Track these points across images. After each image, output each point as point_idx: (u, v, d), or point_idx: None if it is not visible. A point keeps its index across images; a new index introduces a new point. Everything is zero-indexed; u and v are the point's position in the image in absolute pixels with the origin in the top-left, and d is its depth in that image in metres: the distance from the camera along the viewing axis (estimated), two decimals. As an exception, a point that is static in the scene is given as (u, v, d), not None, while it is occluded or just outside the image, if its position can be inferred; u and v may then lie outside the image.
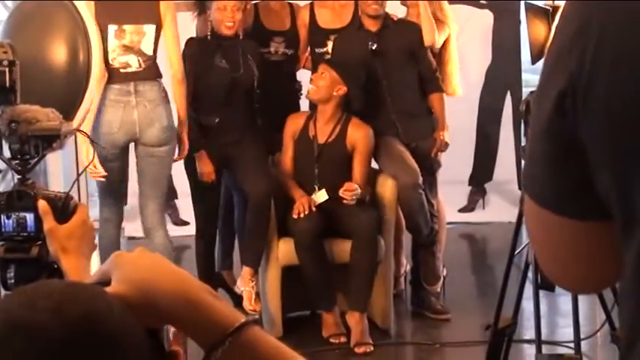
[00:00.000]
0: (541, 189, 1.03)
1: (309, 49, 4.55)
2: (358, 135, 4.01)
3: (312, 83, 4.03)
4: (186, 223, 5.67)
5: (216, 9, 4.03)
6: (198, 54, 4.08)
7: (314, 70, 4.37)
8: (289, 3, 4.58)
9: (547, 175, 1.02)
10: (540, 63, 5.10)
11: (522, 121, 3.00)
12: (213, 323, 0.95)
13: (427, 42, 4.24)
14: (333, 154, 4.05)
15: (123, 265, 0.98)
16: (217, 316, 0.96)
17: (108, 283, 0.98)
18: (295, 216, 3.90)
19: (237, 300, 4.12)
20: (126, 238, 5.68)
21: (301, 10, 4.52)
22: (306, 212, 3.88)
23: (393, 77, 4.23)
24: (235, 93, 4.11)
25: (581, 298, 2.98)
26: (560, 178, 1.01)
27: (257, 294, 4.09)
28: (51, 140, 2.01)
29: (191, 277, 0.99)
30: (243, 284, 4.05)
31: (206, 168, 4.10)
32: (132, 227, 5.72)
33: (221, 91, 4.07)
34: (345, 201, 3.88)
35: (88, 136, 2.08)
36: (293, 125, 4.12)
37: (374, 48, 4.21)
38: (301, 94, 4.62)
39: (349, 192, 3.87)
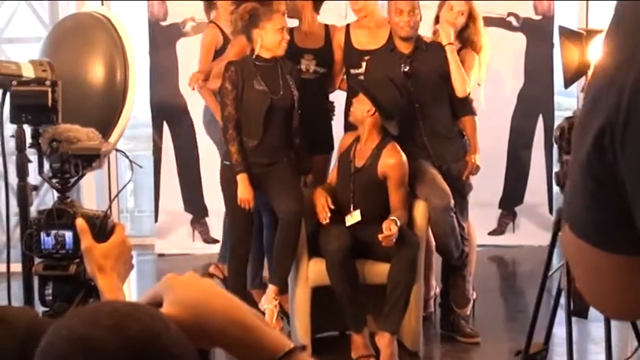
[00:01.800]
0: (581, 222, 1.03)
1: (344, 70, 4.53)
2: (389, 163, 3.97)
3: (352, 106, 4.04)
4: (216, 241, 5.68)
5: (274, 30, 4.01)
6: (237, 77, 4.05)
7: (349, 91, 4.39)
8: (325, 24, 4.56)
9: (587, 209, 1.02)
10: (573, 87, 5.07)
11: (557, 146, 2.97)
12: (263, 348, 0.97)
13: (458, 93, 4.17)
14: (365, 179, 4.02)
15: (175, 287, 1.01)
16: (266, 341, 0.98)
17: (159, 304, 1.01)
18: (323, 221, 3.91)
19: (264, 319, 4.13)
20: (156, 255, 5.75)
21: (337, 32, 4.51)
22: (328, 216, 3.91)
23: (424, 99, 4.20)
24: (275, 115, 4.09)
25: (613, 324, 2.94)
26: (600, 212, 1.01)
27: (283, 313, 4.11)
28: (91, 159, 2.04)
29: (241, 302, 1.03)
30: (267, 302, 4.04)
31: (246, 194, 4.07)
32: (162, 244, 5.76)
33: (260, 114, 4.04)
34: (384, 244, 3.83)
35: (127, 157, 2.09)
36: (342, 143, 4.14)
37: (406, 70, 4.19)
38: (333, 115, 4.60)
39: (388, 238, 3.81)
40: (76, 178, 2.05)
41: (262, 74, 4.07)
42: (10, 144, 2.41)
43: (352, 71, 4.44)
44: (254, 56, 4.09)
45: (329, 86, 4.60)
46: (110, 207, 2.02)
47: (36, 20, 5.63)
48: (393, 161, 3.96)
